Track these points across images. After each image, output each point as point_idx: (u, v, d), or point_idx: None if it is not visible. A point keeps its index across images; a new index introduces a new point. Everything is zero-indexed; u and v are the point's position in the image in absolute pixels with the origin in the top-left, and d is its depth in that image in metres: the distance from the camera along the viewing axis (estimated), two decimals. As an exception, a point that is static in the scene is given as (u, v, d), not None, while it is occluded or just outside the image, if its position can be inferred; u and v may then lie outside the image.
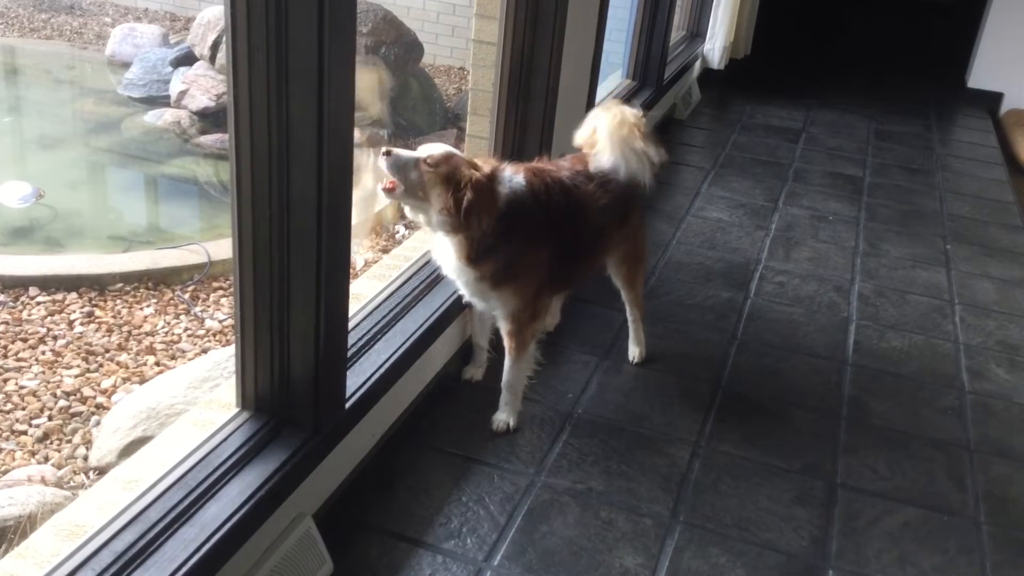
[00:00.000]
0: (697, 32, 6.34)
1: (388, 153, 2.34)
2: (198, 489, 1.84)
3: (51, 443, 2.90)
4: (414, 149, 2.39)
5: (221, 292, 3.88)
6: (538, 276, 2.55)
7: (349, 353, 2.25)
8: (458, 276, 2.51)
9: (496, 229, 2.38)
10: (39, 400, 3.07)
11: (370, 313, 2.55)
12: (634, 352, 3.09)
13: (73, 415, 3.03)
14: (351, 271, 2.08)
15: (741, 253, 4.01)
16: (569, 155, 2.80)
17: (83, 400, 3.10)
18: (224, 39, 1.81)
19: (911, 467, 2.72)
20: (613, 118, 2.64)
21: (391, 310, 2.58)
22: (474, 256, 2.41)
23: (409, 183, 2.34)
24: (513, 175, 2.46)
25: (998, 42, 6.87)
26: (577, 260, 2.71)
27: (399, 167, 2.34)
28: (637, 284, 3.02)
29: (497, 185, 2.40)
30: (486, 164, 2.42)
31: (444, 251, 2.49)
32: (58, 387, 3.15)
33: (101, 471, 2.72)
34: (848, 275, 3.91)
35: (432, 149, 2.37)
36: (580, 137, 2.75)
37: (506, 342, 2.62)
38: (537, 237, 2.51)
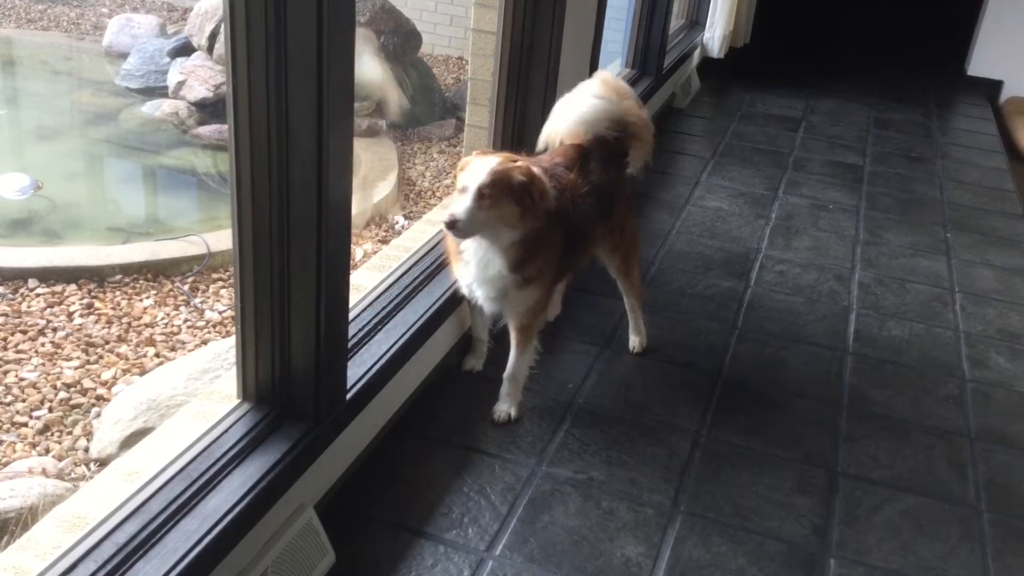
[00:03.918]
0: (696, 20, 6.32)
1: (453, 224, 2.25)
2: (199, 480, 1.84)
3: (52, 435, 2.90)
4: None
5: (220, 283, 3.88)
6: (555, 270, 2.56)
7: (350, 344, 2.25)
8: (493, 284, 2.46)
9: (541, 224, 2.39)
10: (39, 392, 3.07)
11: (370, 304, 2.55)
12: (634, 342, 3.08)
13: (73, 407, 3.03)
14: (351, 262, 2.08)
15: (741, 242, 4.01)
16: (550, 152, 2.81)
17: (83, 392, 3.10)
18: (222, 29, 1.80)
19: (912, 455, 2.72)
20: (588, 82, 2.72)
21: (391, 301, 2.58)
22: (524, 260, 2.40)
23: (482, 224, 2.29)
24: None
25: (998, 30, 6.85)
26: (575, 249, 2.71)
27: (472, 221, 2.26)
28: (632, 273, 3.01)
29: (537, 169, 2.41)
30: (513, 156, 2.42)
31: (484, 263, 2.43)
32: (58, 379, 3.15)
33: (102, 463, 2.72)
34: (848, 264, 3.91)
35: (474, 177, 2.29)
36: (546, 131, 2.78)
37: (514, 336, 2.62)
38: (556, 231, 2.50)
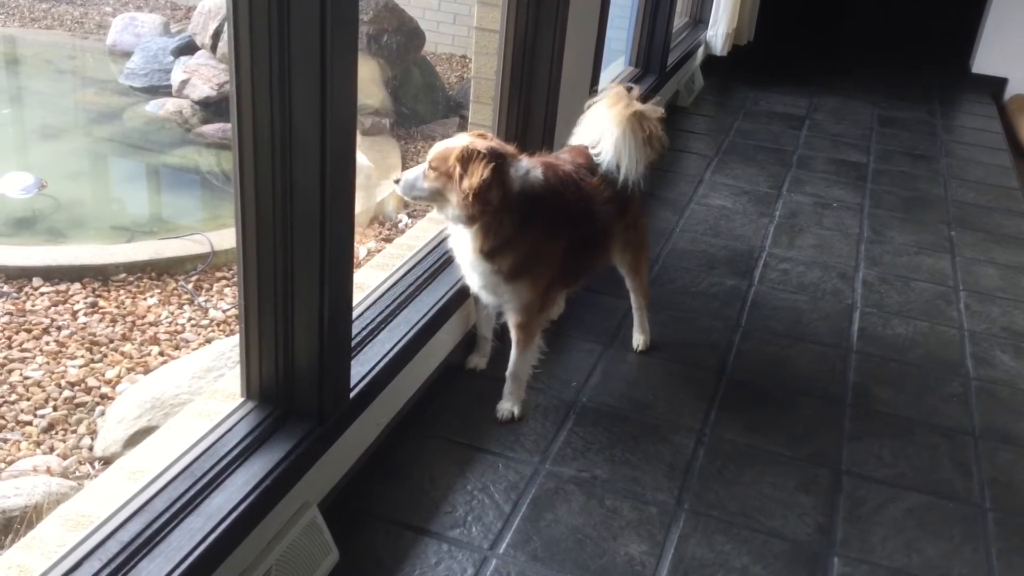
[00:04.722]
0: (700, 19, 6.32)
1: (397, 181, 2.45)
2: (203, 479, 1.84)
3: (56, 433, 2.90)
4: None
5: (224, 282, 3.88)
6: (552, 270, 2.55)
7: (353, 343, 2.25)
8: (473, 270, 2.50)
9: (514, 221, 2.38)
10: (44, 390, 3.08)
11: (374, 303, 2.55)
12: (638, 340, 3.08)
13: (78, 405, 3.03)
14: (354, 260, 2.08)
15: (745, 240, 4.00)
16: (567, 147, 2.80)
17: (88, 390, 3.11)
18: (226, 28, 1.80)
19: (916, 454, 2.71)
20: (617, 116, 2.62)
21: (395, 299, 2.58)
22: (488, 249, 2.41)
23: (427, 195, 2.41)
24: (531, 168, 2.44)
25: (1002, 27, 6.83)
26: (587, 255, 2.71)
27: (411, 187, 2.42)
28: (642, 271, 3.02)
29: (502, 161, 2.34)
30: (493, 142, 2.41)
31: (461, 245, 2.49)
32: (63, 377, 3.15)
33: (106, 461, 2.73)
34: (852, 262, 3.90)
35: (438, 147, 2.39)
36: (582, 137, 2.74)
37: (513, 334, 2.62)
38: (553, 231, 2.50)
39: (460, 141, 2.37)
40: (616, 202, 2.67)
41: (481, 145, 2.33)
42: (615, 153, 2.62)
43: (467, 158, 2.30)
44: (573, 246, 2.57)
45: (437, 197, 2.40)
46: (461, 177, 2.30)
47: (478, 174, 2.28)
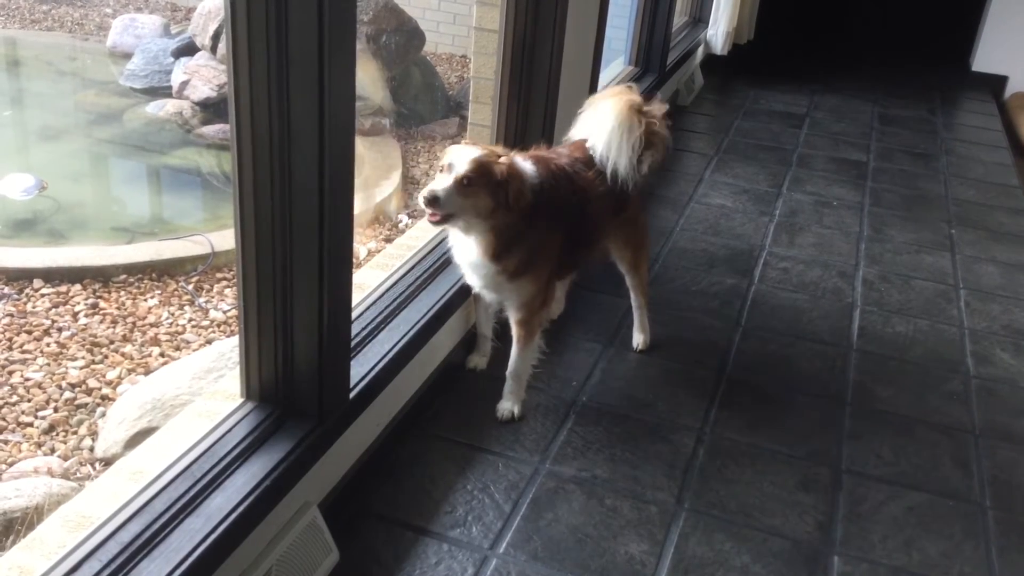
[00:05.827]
0: (700, 17, 6.31)
1: (434, 200, 2.26)
2: (203, 480, 1.84)
3: (57, 434, 2.90)
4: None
5: (225, 282, 3.89)
6: (551, 264, 2.57)
7: (353, 343, 2.25)
8: (478, 271, 2.50)
9: (517, 222, 2.39)
10: (44, 392, 3.08)
11: (374, 303, 2.55)
12: (638, 339, 3.08)
13: (79, 406, 3.04)
14: (354, 261, 2.08)
15: (745, 239, 4.00)
16: (567, 143, 2.80)
17: (88, 391, 3.11)
18: (224, 29, 1.80)
19: (916, 452, 2.71)
20: (615, 107, 2.62)
21: (395, 299, 2.58)
22: (500, 251, 2.41)
23: (458, 208, 2.30)
24: (526, 165, 2.45)
25: (1002, 25, 6.83)
26: (582, 246, 2.71)
27: (447, 201, 2.27)
28: (641, 269, 3.02)
29: (521, 168, 2.41)
30: (501, 152, 2.42)
31: (466, 249, 2.48)
32: (63, 379, 3.15)
33: (107, 462, 2.73)
34: (852, 261, 3.90)
35: (458, 160, 2.31)
36: (580, 130, 2.74)
37: (515, 331, 2.63)
38: (551, 225, 2.51)
39: (476, 151, 2.33)
40: (612, 196, 2.67)
41: (508, 160, 2.38)
42: (606, 144, 2.63)
43: (513, 176, 2.35)
44: (568, 239, 2.58)
45: (469, 210, 2.31)
46: (518, 193, 2.34)
47: (526, 193, 2.36)
